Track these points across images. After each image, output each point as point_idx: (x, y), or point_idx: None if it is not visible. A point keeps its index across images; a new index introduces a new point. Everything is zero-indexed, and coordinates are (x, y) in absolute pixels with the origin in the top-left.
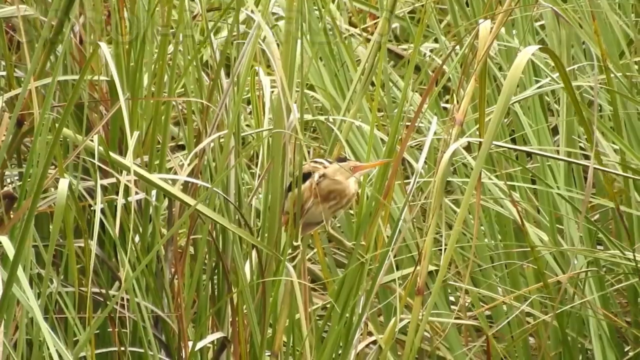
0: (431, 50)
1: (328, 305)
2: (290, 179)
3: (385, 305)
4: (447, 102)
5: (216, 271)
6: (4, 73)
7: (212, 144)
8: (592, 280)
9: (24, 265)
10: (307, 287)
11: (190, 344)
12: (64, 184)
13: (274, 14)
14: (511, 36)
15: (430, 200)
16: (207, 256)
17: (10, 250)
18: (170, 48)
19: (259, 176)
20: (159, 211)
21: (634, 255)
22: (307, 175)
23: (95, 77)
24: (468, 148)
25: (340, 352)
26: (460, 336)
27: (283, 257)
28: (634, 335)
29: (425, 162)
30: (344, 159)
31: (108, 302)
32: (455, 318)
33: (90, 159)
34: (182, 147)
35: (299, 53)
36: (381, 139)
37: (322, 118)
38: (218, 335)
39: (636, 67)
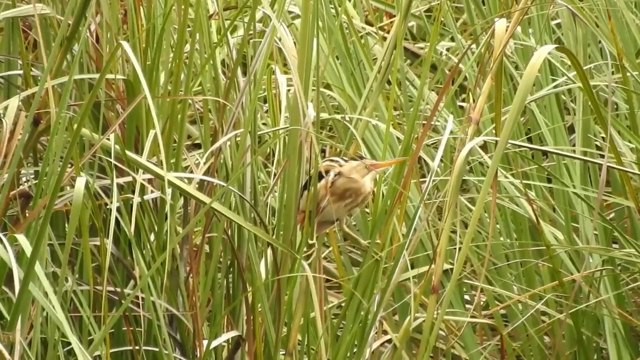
0: (447, 49)
1: (343, 304)
2: (306, 178)
3: (400, 304)
4: (463, 100)
5: (231, 269)
6: (21, 72)
7: (228, 143)
8: (607, 279)
9: (40, 263)
10: (322, 285)
11: (205, 342)
12: (80, 182)
13: (290, 12)
14: (527, 35)
15: (446, 198)
16: (222, 254)
17: (27, 249)
18: (187, 47)
19: (275, 174)
20: (175, 210)
21: None
22: (322, 174)
23: (112, 76)
24: (484, 147)
25: (355, 350)
26: (475, 335)
27: (299, 255)
28: None
29: (441, 161)
30: (360, 157)
31: (123, 301)
32: (470, 317)
33: (107, 158)
34: (198, 146)
35: (315, 51)
36: (397, 138)
37: (338, 117)
38: (233, 333)
39: None
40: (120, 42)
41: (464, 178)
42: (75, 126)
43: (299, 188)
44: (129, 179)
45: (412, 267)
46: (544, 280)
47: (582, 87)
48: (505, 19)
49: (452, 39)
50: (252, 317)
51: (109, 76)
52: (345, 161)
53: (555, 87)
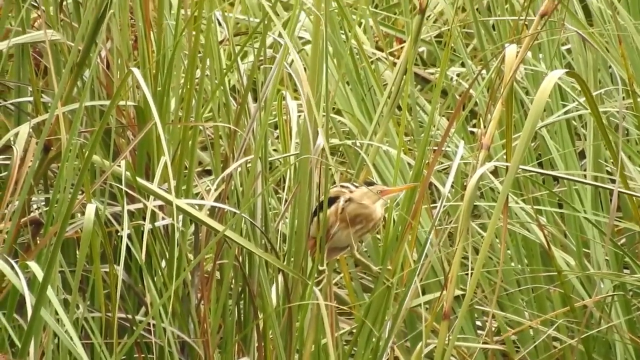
0: (458, 75)
1: (354, 330)
2: (316, 204)
3: (411, 330)
4: (474, 126)
5: (242, 296)
6: (31, 98)
7: (239, 169)
8: (618, 304)
9: (52, 290)
10: (333, 312)
11: None
12: (91, 209)
13: (300, 37)
14: (538, 60)
15: (457, 224)
16: (233, 281)
17: (39, 275)
18: (198, 73)
19: (286, 201)
20: (186, 236)
21: None
22: (333, 200)
23: (123, 102)
24: (495, 172)
25: None
26: None
27: (310, 281)
28: None
29: (452, 187)
30: (371, 183)
31: (134, 328)
32: (482, 342)
33: (117, 185)
34: (209, 172)
35: (325, 77)
36: (408, 163)
37: (349, 142)
38: None
39: None
40: (131, 68)
41: (475, 204)
42: (86, 153)
43: (309, 214)
44: (140, 205)
45: (424, 293)
46: (555, 305)
47: (591, 112)
48: (515, 44)
49: (463, 65)
50: (263, 344)
51: (120, 102)
52: (356, 187)
53: (565, 112)
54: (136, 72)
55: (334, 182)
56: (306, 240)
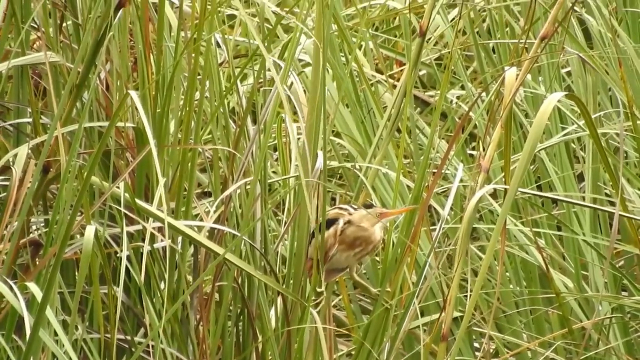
0: (458, 97)
1: (353, 352)
2: (314, 226)
3: (410, 352)
4: (473, 149)
5: (241, 317)
6: (30, 119)
7: (238, 191)
8: (616, 327)
9: (51, 311)
10: (332, 334)
11: None
12: (90, 231)
13: (300, 60)
14: (537, 83)
15: (457, 247)
16: (232, 302)
17: (38, 296)
18: (197, 95)
19: (285, 223)
20: (185, 258)
21: None
22: (332, 222)
23: (122, 124)
24: (494, 195)
25: None
26: None
27: (308, 303)
28: None
29: (451, 209)
30: (370, 206)
31: (133, 349)
32: None
33: (117, 206)
34: (208, 194)
35: (325, 99)
36: (407, 186)
37: (348, 165)
38: None
39: None
40: (129, 91)
41: (474, 226)
42: (85, 174)
43: (308, 235)
44: (139, 227)
45: (422, 315)
46: (553, 327)
47: (590, 134)
48: (515, 67)
49: (463, 87)
50: None
51: (119, 124)
52: (355, 209)
53: (564, 135)
54: (133, 94)
55: (334, 204)
56: (304, 261)
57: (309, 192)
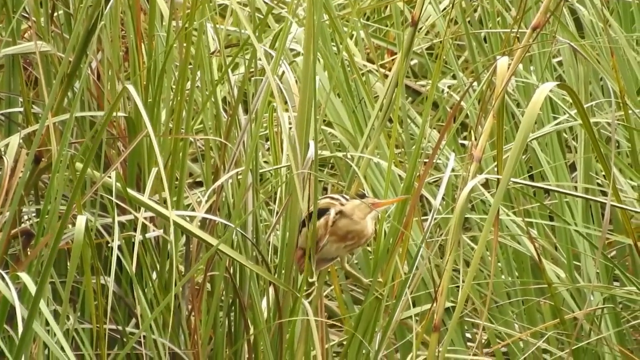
0: (449, 87)
1: (345, 342)
2: (304, 215)
3: (402, 342)
4: (464, 138)
5: (233, 308)
6: (22, 109)
7: (230, 181)
8: (608, 317)
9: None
10: (323, 324)
11: None
12: (81, 221)
13: (291, 49)
14: (529, 72)
15: (448, 237)
16: (224, 293)
17: (30, 287)
18: (188, 84)
19: (277, 213)
20: (177, 248)
21: None
22: (323, 211)
23: (113, 114)
24: (486, 185)
25: None
26: None
27: (300, 293)
28: None
29: (443, 199)
30: (362, 196)
31: (125, 339)
32: (472, 355)
33: (108, 196)
34: (200, 184)
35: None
36: (399, 176)
37: (339, 154)
38: None
39: None
40: (126, 85)
41: (466, 216)
42: (76, 164)
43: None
44: (131, 217)
45: (414, 306)
46: (545, 318)
47: (582, 124)
48: (507, 56)
49: (454, 77)
50: (254, 356)
51: None
52: (347, 200)
53: (556, 124)
54: (131, 88)
55: (325, 193)
56: (294, 250)
57: (300, 182)
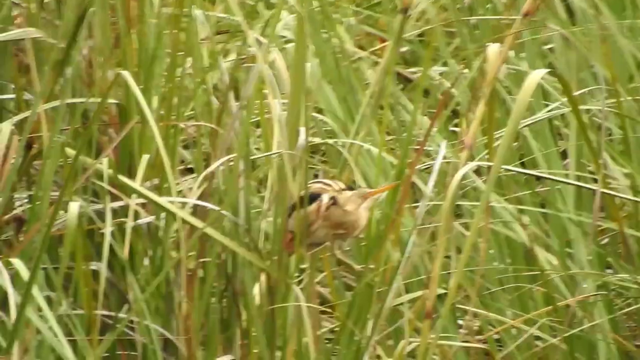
0: (440, 74)
1: (337, 329)
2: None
3: (394, 328)
4: (456, 125)
5: (225, 294)
6: (13, 96)
7: (221, 167)
8: (601, 304)
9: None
10: (316, 310)
11: None
12: (74, 207)
13: (282, 36)
14: (520, 60)
15: (440, 224)
16: (216, 279)
17: (23, 272)
18: (179, 71)
19: (268, 199)
20: (169, 234)
21: None
22: (314, 197)
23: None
24: (477, 172)
25: None
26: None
27: (291, 280)
28: None
29: (434, 186)
30: (352, 188)
31: (117, 325)
32: (464, 341)
33: (100, 182)
34: (191, 170)
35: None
36: (390, 163)
37: (331, 141)
38: (227, 358)
39: None
40: (121, 72)
41: (457, 203)
42: (67, 150)
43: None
44: (122, 203)
45: (406, 292)
46: (537, 305)
47: (572, 111)
48: (498, 43)
49: (445, 64)
50: (246, 342)
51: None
52: (339, 186)
53: (548, 112)
54: (126, 75)
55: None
56: (284, 234)
57: (291, 168)
